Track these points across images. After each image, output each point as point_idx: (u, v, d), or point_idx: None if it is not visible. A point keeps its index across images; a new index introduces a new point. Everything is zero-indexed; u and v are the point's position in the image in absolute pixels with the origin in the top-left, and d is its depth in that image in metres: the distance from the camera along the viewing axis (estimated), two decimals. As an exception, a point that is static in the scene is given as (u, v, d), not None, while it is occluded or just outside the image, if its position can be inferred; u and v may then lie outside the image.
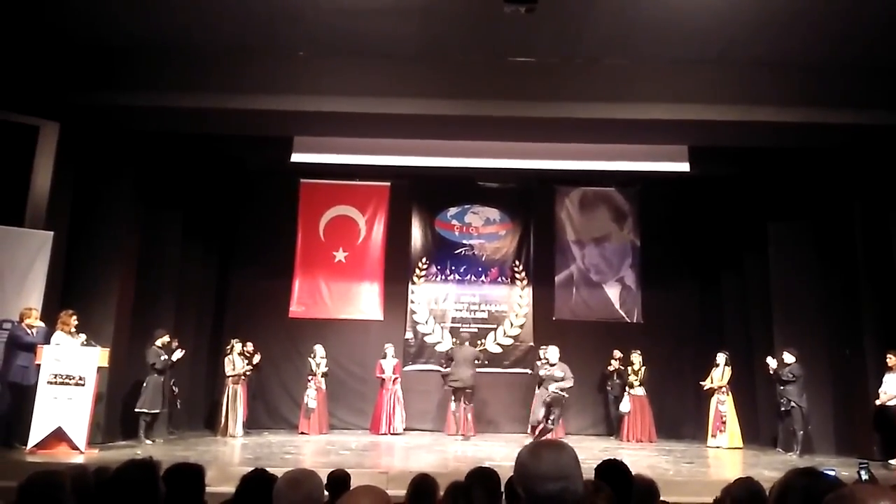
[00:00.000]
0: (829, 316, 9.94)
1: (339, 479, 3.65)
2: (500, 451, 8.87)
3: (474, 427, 10.90)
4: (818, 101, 8.31)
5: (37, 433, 7.51)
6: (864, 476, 3.88)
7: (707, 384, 10.69)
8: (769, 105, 8.33)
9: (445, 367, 11.01)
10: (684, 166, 9.92)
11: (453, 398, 10.93)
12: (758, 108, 8.35)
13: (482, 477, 3.08)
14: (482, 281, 12.54)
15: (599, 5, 7.18)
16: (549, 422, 10.25)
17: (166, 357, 9.48)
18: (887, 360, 8.65)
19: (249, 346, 11.05)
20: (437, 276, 12.52)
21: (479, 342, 12.07)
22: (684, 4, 7.13)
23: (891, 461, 8.38)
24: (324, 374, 11.19)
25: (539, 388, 10.62)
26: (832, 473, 2.06)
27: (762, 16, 7.22)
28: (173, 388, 10.14)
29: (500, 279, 12.55)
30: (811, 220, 10.32)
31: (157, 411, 9.38)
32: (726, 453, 9.89)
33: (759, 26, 7.42)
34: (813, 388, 9.60)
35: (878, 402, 8.72)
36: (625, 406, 11.04)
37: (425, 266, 12.52)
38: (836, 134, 8.76)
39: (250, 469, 2.96)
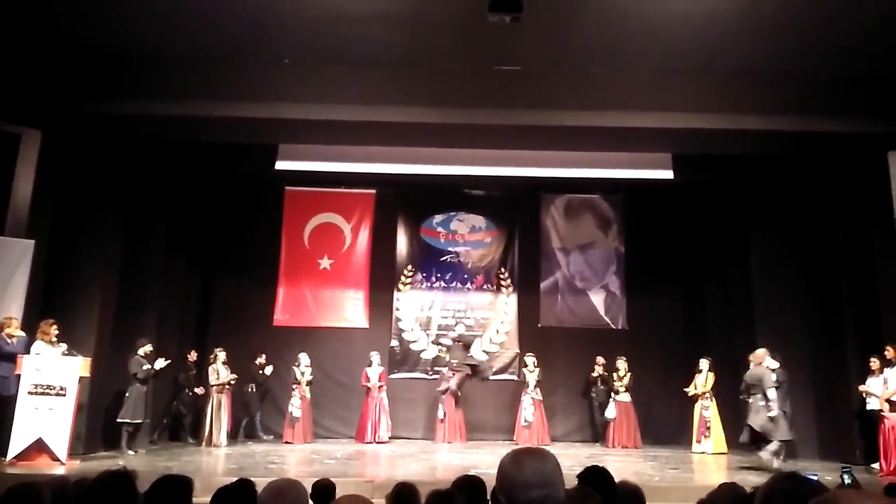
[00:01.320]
0: (812, 322, 10.04)
1: (324, 489, 3.63)
2: (487, 459, 8.84)
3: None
4: (801, 109, 8.40)
5: (17, 444, 7.40)
6: (847, 480, 3.92)
7: (691, 390, 10.76)
8: (753, 113, 8.41)
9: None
10: (668, 174, 10.00)
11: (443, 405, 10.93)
12: (741, 116, 8.43)
13: (467, 485, 3.07)
14: (468, 288, 12.54)
15: (585, 14, 7.23)
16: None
17: (149, 366, 9.39)
18: (870, 363, 8.72)
19: (262, 359, 11.31)
20: (422, 284, 12.51)
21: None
22: (669, 14, 7.19)
23: (873, 465, 8.45)
24: (308, 383, 11.13)
25: (749, 397, 8.67)
26: (815, 478, 2.07)
27: (746, 26, 7.30)
28: (189, 390, 10.66)
29: (485, 286, 12.57)
30: (793, 227, 10.42)
31: (140, 421, 9.28)
32: (711, 459, 9.94)
33: (743, 36, 7.51)
34: (796, 394, 9.68)
35: (859, 387, 8.86)
36: (610, 412, 11.07)
37: (411, 273, 12.52)
38: (818, 142, 8.86)
39: (234, 479, 2.93)
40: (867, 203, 9.20)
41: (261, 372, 11.25)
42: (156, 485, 2.71)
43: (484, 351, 12.27)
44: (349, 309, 12.25)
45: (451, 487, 3.02)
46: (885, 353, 8.49)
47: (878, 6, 6.88)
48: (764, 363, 9.26)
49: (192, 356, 10.94)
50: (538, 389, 11.38)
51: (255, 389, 11.22)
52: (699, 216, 12.12)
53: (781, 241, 10.46)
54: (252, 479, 2.91)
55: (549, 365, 11.73)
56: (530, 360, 11.48)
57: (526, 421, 11.17)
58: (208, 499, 2.83)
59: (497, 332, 12.41)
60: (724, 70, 8.24)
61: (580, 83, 8.49)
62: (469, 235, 12.74)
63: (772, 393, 8.40)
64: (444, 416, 11.23)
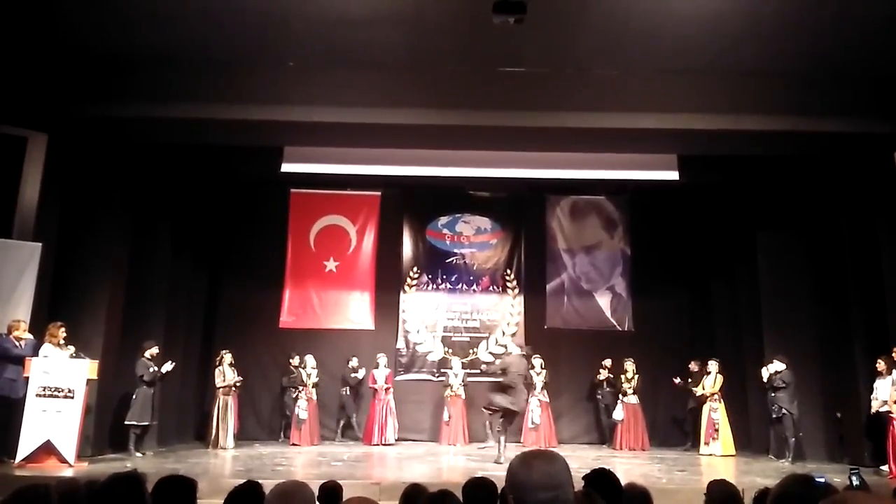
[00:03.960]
0: (819, 322, 9.99)
1: (331, 491, 3.63)
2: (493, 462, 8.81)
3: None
4: (806, 109, 8.38)
5: (25, 446, 7.44)
6: (856, 482, 3.89)
7: (699, 391, 10.72)
8: (758, 114, 8.38)
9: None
10: (673, 175, 9.97)
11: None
12: (746, 116, 8.41)
13: (479, 487, 3.07)
14: (473, 290, 12.53)
15: (589, 15, 7.22)
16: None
17: (155, 369, 9.42)
18: (877, 365, 8.69)
19: (354, 362, 11.49)
20: (428, 286, 12.50)
21: (470, 351, 12.06)
22: (673, 15, 7.18)
23: (882, 467, 8.41)
24: (315, 385, 11.15)
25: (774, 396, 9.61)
26: (822, 480, 2.07)
27: (750, 26, 7.28)
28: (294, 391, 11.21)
29: (491, 288, 12.55)
30: (800, 227, 10.38)
31: (147, 423, 9.31)
32: (719, 461, 9.90)
33: (747, 36, 7.48)
34: (803, 395, 9.64)
35: (873, 411, 8.74)
36: (618, 414, 11.05)
37: (416, 275, 12.51)
38: (824, 142, 8.82)
39: (241, 481, 2.93)
40: (874, 203, 9.17)
41: (353, 375, 11.44)
42: (159, 484, 2.71)
43: (490, 353, 12.26)
44: (355, 311, 12.25)
45: (462, 491, 3.02)
46: (893, 354, 8.44)
47: (882, 5, 6.85)
48: (772, 365, 9.45)
49: (295, 360, 11.40)
50: (545, 391, 11.37)
51: (349, 392, 11.48)
52: (705, 217, 12.08)
53: (788, 243, 10.42)
54: (259, 480, 2.91)
55: (555, 367, 11.71)
56: (537, 361, 11.43)
57: (533, 423, 11.15)
58: (216, 500, 2.83)
59: (503, 333, 12.39)
60: (728, 70, 8.22)
61: (584, 84, 8.48)
62: (474, 237, 12.73)
63: None
64: (450, 418, 11.23)
